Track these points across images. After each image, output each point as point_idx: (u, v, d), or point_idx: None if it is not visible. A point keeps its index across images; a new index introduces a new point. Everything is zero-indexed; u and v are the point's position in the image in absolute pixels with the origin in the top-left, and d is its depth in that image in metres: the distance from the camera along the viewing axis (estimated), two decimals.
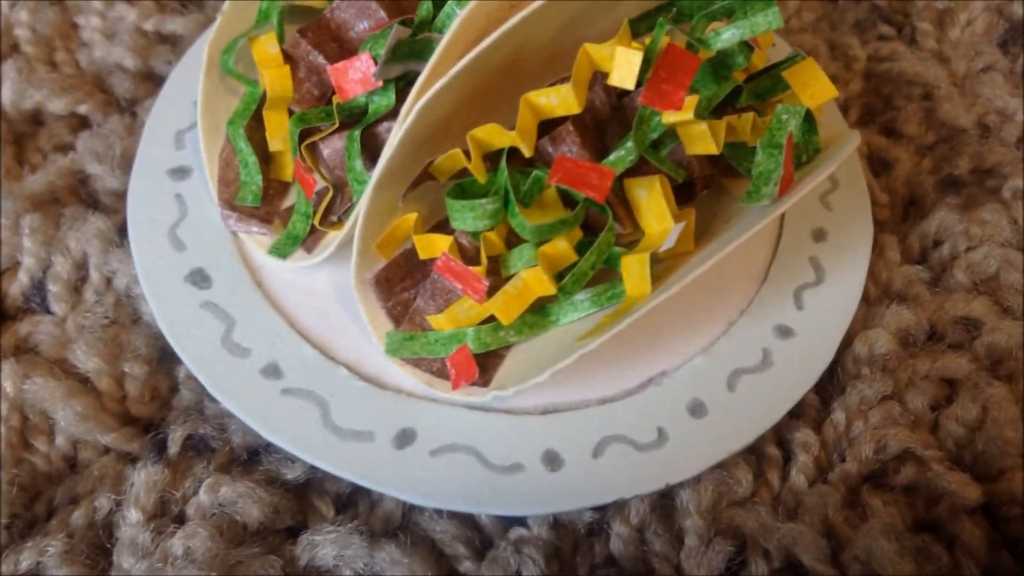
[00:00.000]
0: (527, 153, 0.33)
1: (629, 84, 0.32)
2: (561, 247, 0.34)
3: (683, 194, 0.38)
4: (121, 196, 0.42)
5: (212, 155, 0.39)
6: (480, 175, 0.33)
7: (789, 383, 0.37)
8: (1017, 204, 0.42)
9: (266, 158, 0.39)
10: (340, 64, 0.35)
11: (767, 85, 0.38)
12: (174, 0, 0.50)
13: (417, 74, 0.36)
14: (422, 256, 0.35)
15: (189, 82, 0.42)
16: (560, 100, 0.33)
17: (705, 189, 0.38)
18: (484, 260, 0.33)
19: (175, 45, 0.47)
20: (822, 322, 0.38)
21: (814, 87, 0.38)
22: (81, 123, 0.46)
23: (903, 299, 0.41)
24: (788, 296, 0.39)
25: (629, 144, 0.33)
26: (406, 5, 0.39)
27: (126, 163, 0.42)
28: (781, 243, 0.40)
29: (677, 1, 0.39)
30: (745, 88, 0.37)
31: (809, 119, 0.37)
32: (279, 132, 0.38)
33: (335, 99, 0.36)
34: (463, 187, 0.34)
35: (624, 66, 0.32)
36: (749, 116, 0.36)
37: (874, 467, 0.37)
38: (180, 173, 0.40)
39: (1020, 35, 0.51)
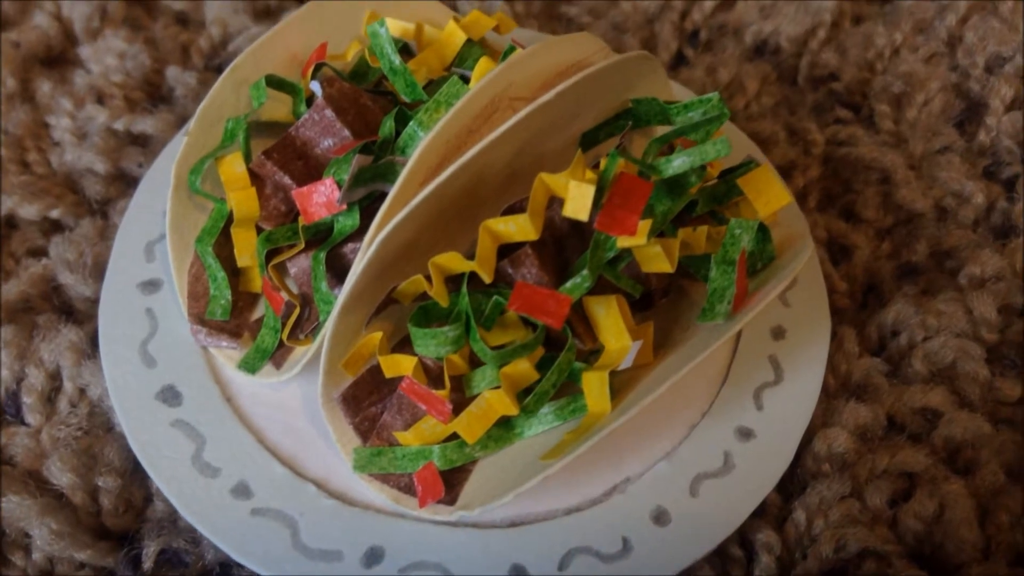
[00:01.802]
0: (487, 279, 0.34)
1: (583, 216, 0.33)
2: (523, 367, 0.34)
3: (644, 302, 0.39)
4: (94, 303, 0.43)
5: (181, 271, 0.39)
6: (443, 300, 0.34)
7: (750, 486, 0.37)
8: (973, 293, 0.43)
9: (235, 271, 0.39)
10: (304, 188, 0.36)
11: (723, 190, 0.39)
12: (144, 98, 0.50)
13: (383, 193, 0.37)
14: (388, 375, 0.36)
15: (158, 191, 0.43)
16: (518, 227, 0.34)
17: (664, 297, 0.39)
18: (447, 384, 0.34)
19: (145, 145, 0.48)
20: (782, 422, 0.39)
21: (768, 195, 0.39)
22: (54, 226, 0.46)
23: (863, 390, 0.42)
24: (748, 397, 0.40)
25: (585, 272, 0.34)
26: (371, 119, 0.40)
27: (98, 271, 0.43)
28: (741, 342, 0.41)
29: (630, 113, 0.40)
30: (701, 196, 0.38)
31: (763, 228, 0.38)
32: (247, 248, 0.38)
33: (301, 219, 0.37)
34: (427, 309, 0.35)
35: (577, 199, 0.33)
36: (703, 230, 0.37)
37: (835, 565, 0.38)
38: (150, 286, 0.41)
39: (976, 114, 0.52)
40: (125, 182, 0.47)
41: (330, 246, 0.37)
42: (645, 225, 0.34)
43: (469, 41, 0.43)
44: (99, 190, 0.47)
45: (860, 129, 0.50)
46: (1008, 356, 0.43)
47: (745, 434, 0.39)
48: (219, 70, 0.52)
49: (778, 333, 0.41)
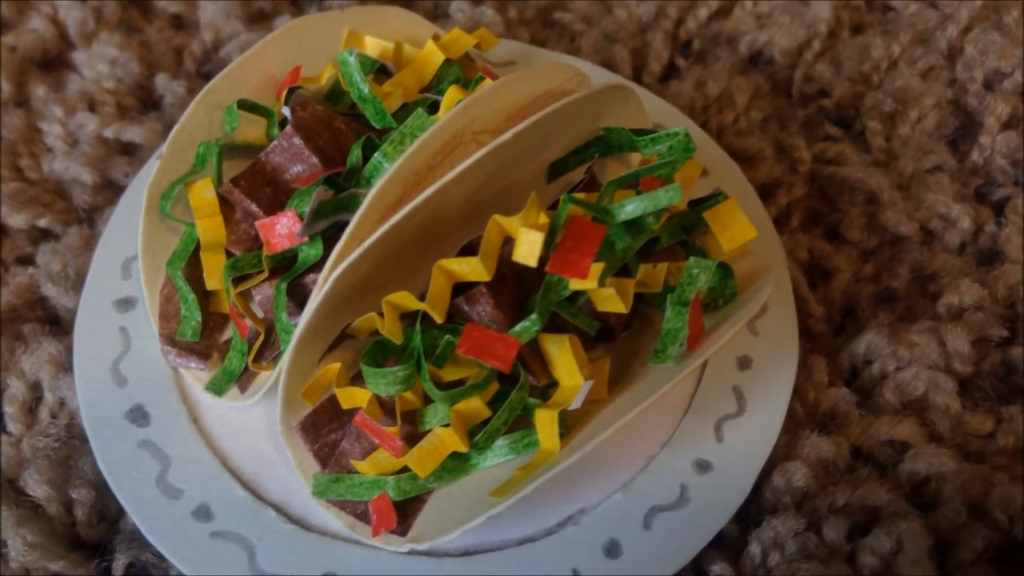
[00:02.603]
0: (438, 320, 0.34)
1: (532, 262, 0.33)
2: (474, 405, 0.35)
3: (606, 333, 0.39)
4: (76, 314, 0.44)
5: (153, 292, 0.40)
6: (396, 338, 0.35)
7: (705, 520, 0.38)
8: (947, 325, 0.43)
9: (206, 292, 0.40)
10: (267, 220, 0.37)
11: (691, 220, 0.39)
12: (136, 104, 0.51)
13: (347, 223, 0.38)
14: (344, 407, 0.36)
15: (138, 207, 0.43)
16: (471, 268, 0.34)
17: (626, 330, 0.39)
18: (399, 421, 0.35)
19: (133, 154, 0.49)
20: (741, 455, 0.39)
21: (733, 229, 0.39)
22: (43, 234, 0.47)
23: (831, 420, 0.42)
24: (709, 428, 0.40)
25: (534, 316, 0.34)
26: (344, 143, 0.40)
27: (80, 282, 0.44)
28: (706, 372, 0.41)
29: (601, 141, 0.40)
30: (667, 228, 0.38)
31: (724, 266, 0.38)
32: (216, 272, 0.39)
33: (265, 248, 0.38)
34: (382, 344, 0.35)
35: (526, 245, 0.33)
36: (663, 268, 0.37)
37: None
38: (126, 304, 0.41)
39: (971, 132, 0.51)
40: (113, 190, 0.48)
41: (293, 276, 0.37)
42: (597, 268, 0.34)
43: (448, 60, 0.43)
44: (86, 199, 0.47)
45: (849, 147, 0.50)
46: (983, 388, 0.43)
47: (703, 467, 0.39)
48: (208, 77, 0.52)
49: (744, 363, 0.41)
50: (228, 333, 0.40)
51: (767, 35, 0.53)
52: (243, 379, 0.39)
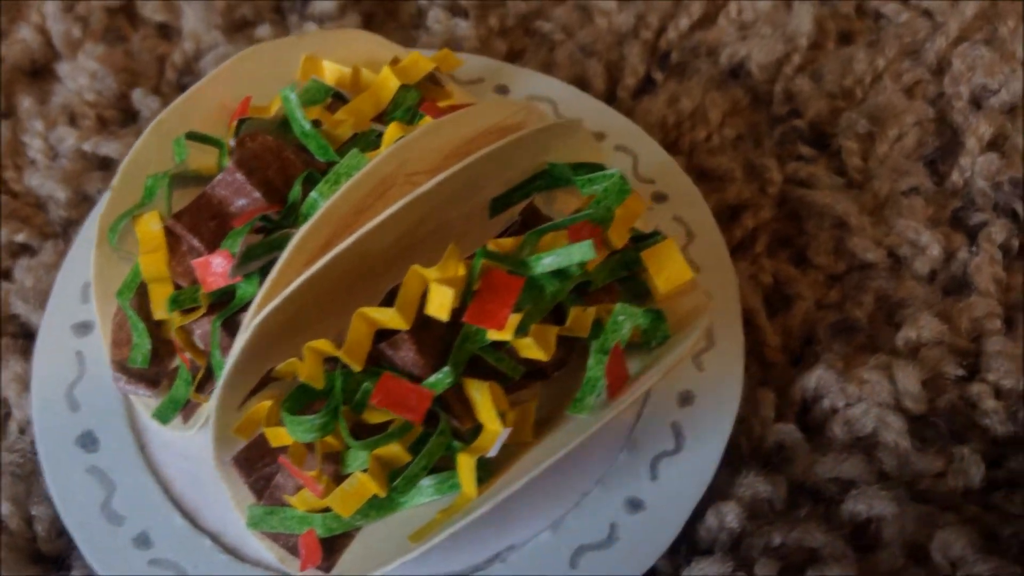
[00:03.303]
0: (356, 368, 0.35)
1: (444, 317, 0.33)
2: (394, 450, 0.35)
3: (538, 372, 0.39)
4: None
5: (106, 319, 0.41)
6: (316, 383, 0.35)
7: (632, 560, 0.38)
8: (899, 363, 0.42)
9: (158, 320, 0.41)
10: (203, 259, 0.38)
11: (632, 256, 0.39)
12: (117, 116, 0.52)
13: None
14: (273, 445, 0.37)
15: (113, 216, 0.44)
16: (390, 317, 0.34)
17: (559, 369, 0.39)
18: (318, 465, 0.35)
19: (108, 169, 0.50)
20: (674, 494, 0.39)
21: (670, 270, 0.38)
22: (21, 248, 0.49)
23: (775, 456, 0.42)
24: (645, 466, 0.40)
25: (447, 368, 0.34)
26: (294, 173, 0.40)
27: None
28: (646, 407, 0.41)
29: (542, 178, 0.40)
30: (604, 267, 0.38)
31: (654, 311, 0.38)
32: (163, 303, 0.40)
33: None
34: (304, 388, 0.36)
35: (437, 300, 0.33)
36: (591, 312, 0.37)
37: None
38: (83, 328, 0.43)
39: (952, 151, 0.49)
40: (89, 205, 0.49)
41: (229, 313, 0.38)
42: (515, 319, 0.34)
43: (405, 86, 0.43)
44: (62, 214, 0.49)
45: (822, 169, 0.49)
46: (936, 426, 0.42)
47: (635, 505, 0.39)
48: (186, 89, 0.53)
49: (686, 399, 0.41)
50: (178, 360, 0.42)
51: (747, 48, 0.52)
52: (187, 409, 0.40)
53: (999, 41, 0.51)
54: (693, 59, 0.53)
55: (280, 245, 0.38)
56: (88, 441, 0.40)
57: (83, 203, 0.49)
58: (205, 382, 0.40)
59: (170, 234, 0.40)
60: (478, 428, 0.37)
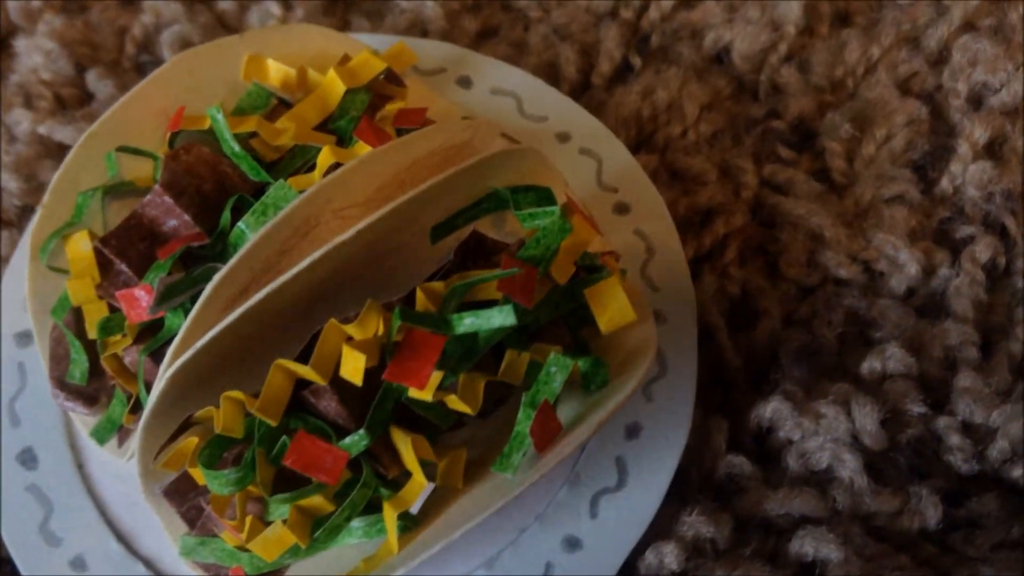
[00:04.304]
0: (272, 423, 0.34)
1: (356, 381, 0.32)
2: (316, 501, 0.35)
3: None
4: None
5: (43, 334, 0.41)
6: (235, 433, 0.34)
7: None
8: (859, 398, 0.40)
9: None
10: (126, 292, 0.37)
11: (580, 288, 0.37)
12: (75, 95, 0.51)
13: None
14: (200, 483, 0.37)
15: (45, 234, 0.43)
16: (307, 372, 0.33)
17: (501, 406, 0.38)
18: (239, 515, 0.35)
19: (63, 156, 0.49)
20: (614, 533, 0.38)
21: (612, 310, 0.37)
22: None
23: (725, 489, 0.41)
24: (585, 503, 0.39)
25: (362, 431, 0.33)
26: (231, 186, 0.39)
27: None
28: (590, 440, 0.40)
29: (487, 201, 0.38)
30: (547, 304, 0.37)
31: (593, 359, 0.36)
32: (95, 318, 0.39)
33: None
34: (222, 437, 0.35)
35: (350, 363, 0.32)
36: (525, 358, 0.36)
37: None
38: (25, 338, 0.42)
39: (943, 156, 0.46)
40: (41, 192, 0.48)
41: (156, 345, 0.37)
42: (436, 377, 0.33)
43: (353, 89, 0.41)
44: (16, 203, 0.48)
45: (801, 173, 0.46)
46: (897, 462, 0.41)
47: (572, 544, 0.38)
48: (142, 69, 0.51)
49: (633, 431, 0.40)
50: None
51: (732, 32, 0.48)
52: (122, 431, 0.40)
53: (1007, 30, 0.47)
54: (675, 43, 0.49)
55: (204, 279, 0.36)
56: (28, 458, 0.40)
57: (39, 191, 0.48)
58: (136, 408, 0.39)
59: (101, 254, 0.39)
60: (406, 474, 0.36)
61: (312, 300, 0.36)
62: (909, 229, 0.44)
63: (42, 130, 0.49)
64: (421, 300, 0.34)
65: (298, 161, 0.40)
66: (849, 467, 0.40)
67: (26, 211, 0.48)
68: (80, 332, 0.40)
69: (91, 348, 0.40)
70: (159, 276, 0.36)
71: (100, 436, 0.40)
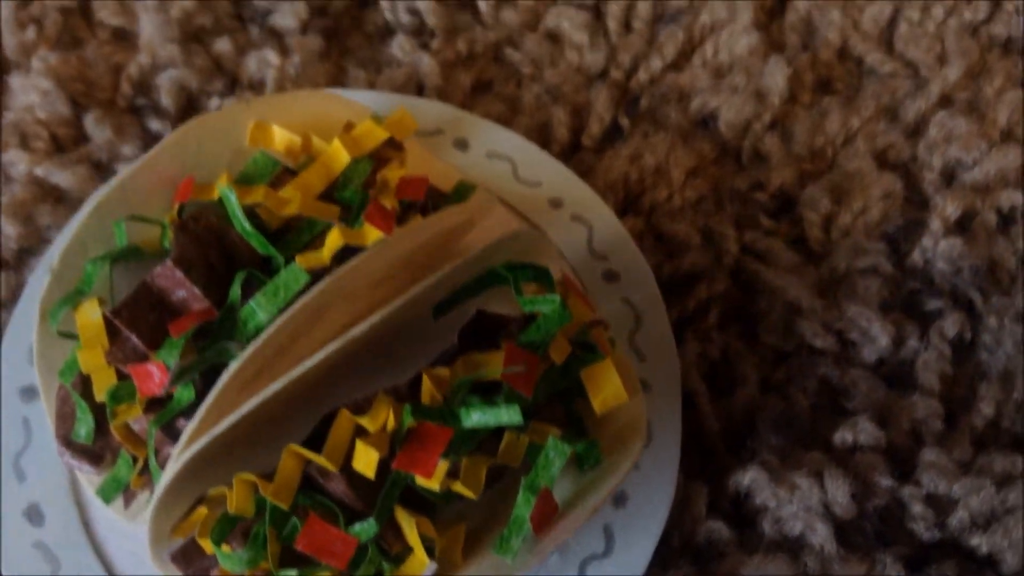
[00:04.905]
0: (283, 507, 0.35)
1: (369, 474, 0.34)
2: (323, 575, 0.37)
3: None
4: None
5: (49, 393, 0.42)
6: (246, 513, 0.36)
7: None
8: (831, 470, 0.43)
9: None
10: (139, 367, 0.38)
11: (576, 366, 0.39)
12: (71, 135, 0.51)
13: (221, 364, 0.38)
14: (209, 552, 0.38)
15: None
16: (319, 459, 0.35)
17: (496, 482, 0.40)
18: None
19: (60, 201, 0.49)
20: None
21: (606, 392, 0.39)
22: None
23: (704, 553, 0.43)
24: (573, 568, 0.41)
25: (371, 519, 0.35)
26: (238, 256, 0.40)
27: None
28: None
29: (483, 283, 0.40)
30: (543, 382, 0.38)
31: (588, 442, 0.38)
32: (103, 387, 0.40)
33: None
34: (234, 516, 0.37)
35: (363, 458, 0.34)
36: (524, 441, 0.37)
37: None
38: (30, 393, 0.43)
39: (915, 230, 0.48)
40: (39, 237, 0.49)
41: (166, 418, 0.38)
42: (443, 467, 0.35)
43: (356, 159, 0.42)
44: (12, 247, 0.48)
45: (779, 243, 0.48)
46: (864, 530, 0.43)
47: None
48: (139, 112, 0.52)
49: (620, 500, 0.42)
50: None
51: (717, 101, 0.50)
52: (128, 492, 0.41)
53: (982, 104, 0.50)
54: (662, 105, 0.51)
55: (216, 359, 0.38)
56: (34, 514, 0.42)
57: (36, 235, 0.49)
58: (144, 471, 0.40)
59: (110, 322, 0.40)
60: (408, 549, 0.38)
61: (319, 383, 0.37)
62: (881, 300, 0.47)
63: (39, 172, 0.49)
64: (428, 387, 0.36)
65: (305, 235, 0.41)
66: (820, 535, 0.42)
67: (23, 254, 0.49)
68: (86, 393, 0.41)
69: (96, 408, 0.41)
70: (174, 358, 0.37)
71: (106, 495, 0.41)
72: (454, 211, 0.40)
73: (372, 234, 0.39)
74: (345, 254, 0.39)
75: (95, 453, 0.41)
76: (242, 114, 0.43)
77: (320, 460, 0.35)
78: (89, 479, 0.42)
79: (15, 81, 0.52)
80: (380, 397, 0.35)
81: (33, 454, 0.42)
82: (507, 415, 0.34)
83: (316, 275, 0.38)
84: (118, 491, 0.41)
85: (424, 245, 0.39)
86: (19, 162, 0.50)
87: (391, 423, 0.35)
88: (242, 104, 0.43)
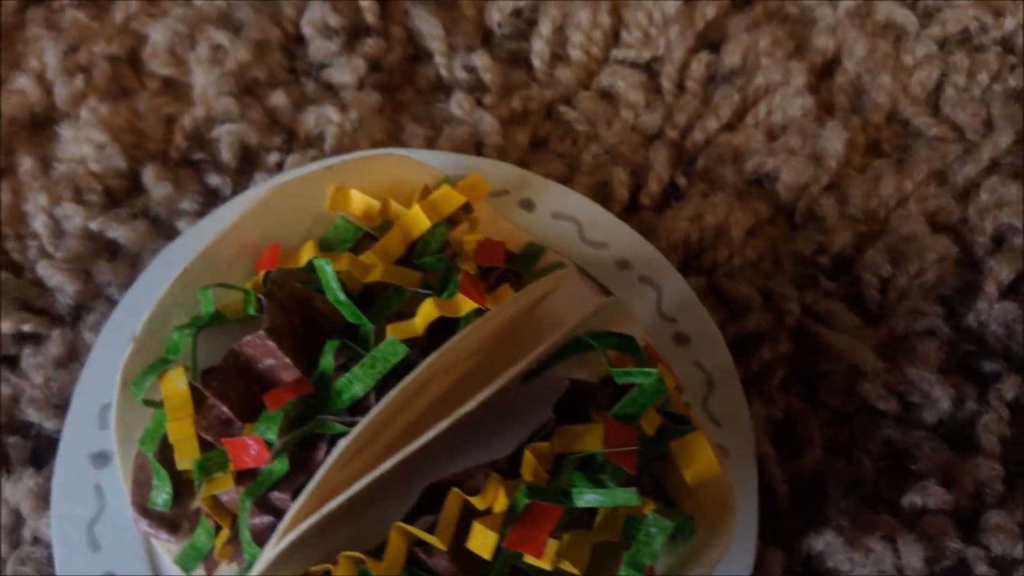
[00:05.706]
0: None
1: (487, 556, 0.34)
2: None
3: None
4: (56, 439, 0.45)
5: (127, 460, 0.41)
6: None
7: None
8: (904, 535, 0.43)
9: None
10: (235, 440, 0.37)
11: (667, 438, 0.39)
12: (124, 187, 0.50)
13: (314, 435, 0.38)
14: None
15: (114, 352, 0.43)
16: (429, 538, 0.35)
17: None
18: None
19: (116, 255, 0.48)
20: None
21: (699, 463, 0.39)
22: (26, 336, 0.48)
23: None
24: None
25: None
26: (323, 323, 0.40)
27: (63, 401, 0.45)
28: None
29: (569, 350, 0.40)
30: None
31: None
32: (185, 454, 0.40)
33: None
34: None
35: (480, 539, 0.34)
36: (621, 515, 0.38)
37: None
38: (101, 459, 0.43)
39: (970, 293, 0.50)
40: (95, 292, 0.48)
41: (260, 490, 0.38)
42: (553, 546, 0.35)
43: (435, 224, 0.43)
44: (69, 303, 0.48)
45: (839, 305, 0.49)
46: None
47: None
48: (196, 165, 0.51)
49: None
50: (198, 501, 0.41)
51: (774, 162, 0.51)
52: (209, 562, 0.40)
53: None
54: (718, 165, 0.52)
55: (314, 432, 0.37)
56: None
57: (94, 292, 0.48)
58: (230, 542, 0.40)
59: (196, 390, 0.40)
60: None
61: (416, 455, 0.37)
62: (939, 362, 0.48)
63: (94, 226, 0.49)
64: (530, 461, 0.36)
65: (393, 303, 0.41)
66: None
67: (79, 310, 0.48)
68: (163, 460, 0.40)
69: (174, 476, 0.41)
70: (272, 432, 0.37)
71: (186, 564, 0.40)
72: (541, 284, 0.40)
73: (466, 305, 0.39)
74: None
75: (172, 521, 0.41)
76: (319, 180, 0.43)
77: (432, 540, 0.35)
78: (167, 547, 0.41)
79: (66, 132, 0.51)
80: (493, 479, 0.35)
81: (107, 522, 0.42)
82: (623, 497, 0.35)
83: (409, 345, 0.38)
84: (198, 561, 0.40)
85: (523, 311, 0.39)
86: (74, 216, 0.49)
87: (502, 502, 0.35)
88: (323, 169, 0.43)
